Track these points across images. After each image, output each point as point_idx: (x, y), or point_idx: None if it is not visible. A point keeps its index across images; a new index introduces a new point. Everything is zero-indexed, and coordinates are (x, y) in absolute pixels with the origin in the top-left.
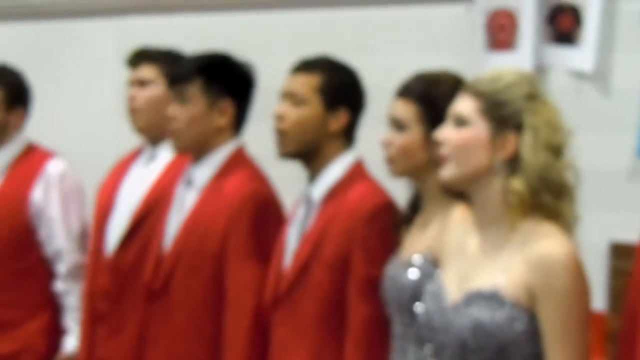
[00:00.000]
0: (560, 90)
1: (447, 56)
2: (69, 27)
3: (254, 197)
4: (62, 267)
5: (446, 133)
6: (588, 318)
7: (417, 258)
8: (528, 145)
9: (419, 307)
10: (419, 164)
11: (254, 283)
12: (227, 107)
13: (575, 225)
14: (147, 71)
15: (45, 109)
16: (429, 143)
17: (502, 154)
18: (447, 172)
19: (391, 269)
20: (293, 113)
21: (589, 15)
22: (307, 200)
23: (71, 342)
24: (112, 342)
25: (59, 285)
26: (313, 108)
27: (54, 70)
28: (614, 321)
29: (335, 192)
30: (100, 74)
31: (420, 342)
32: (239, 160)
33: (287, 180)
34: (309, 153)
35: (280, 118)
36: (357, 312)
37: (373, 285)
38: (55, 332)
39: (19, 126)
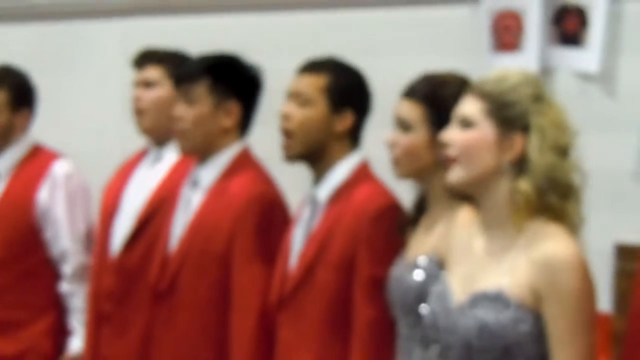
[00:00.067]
0: (565, 92)
1: (452, 57)
2: (75, 28)
3: (260, 198)
4: (67, 268)
5: (452, 134)
6: (594, 319)
7: (422, 259)
8: (535, 147)
9: (424, 309)
10: (425, 165)
11: (260, 284)
12: (234, 108)
13: (580, 227)
14: (153, 72)
15: (50, 110)
16: (435, 144)
17: (508, 155)
18: (455, 176)
19: (396, 270)
20: (299, 113)
21: (595, 17)
22: (313, 202)
23: (76, 343)
24: (117, 343)
25: (64, 286)
26: (319, 109)
27: (59, 71)
28: (620, 322)
29: (341, 193)
30: (106, 74)
31: (426, 343)
32: (245, 162)
33: (293, 182)
34: (314, 154)
35: (285, 118)
36: (362, 313)
37: (378, 287)
38: (61, 333)
39: (24, 127)
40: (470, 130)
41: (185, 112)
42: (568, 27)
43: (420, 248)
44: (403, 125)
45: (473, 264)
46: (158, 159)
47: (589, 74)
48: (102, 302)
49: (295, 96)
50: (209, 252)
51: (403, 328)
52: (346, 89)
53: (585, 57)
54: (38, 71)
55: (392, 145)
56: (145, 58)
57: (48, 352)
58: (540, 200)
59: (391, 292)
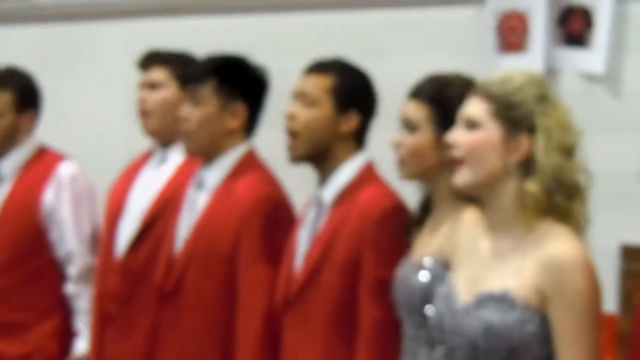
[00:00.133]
0: (571, 93)
1: (458, 58)
2: (80, 29)
3: (266, 200)
4: (72, 270)
5: (457, 135)
6: (599, 319)
7: (427, 260)
8: (541, 147)
9: (429, 309)
10: (430, 166)
11: (266, 285)
12: (240, 109)
13: (586, 227)
14: (158, 74)
15: (55, 111)
16: (440, 145)
17: (514, 156)
18: (461, 178)
19: (402, 272)
20: (304, 113)
21: (600, 18)
22: (318, 203)
23: (82, 344)
24: (122, 344)
25: (70, 288)
26: (324, 109)
27: (64, 73)
28: (625, 323)
29: (346, 195)
30: (111, 76)
31: (431, 344)
32: (250, 163)
33: (298, 183)
34: (319, 155)
35: (291, 118)
36: (368, 314)
37: (384, 288)
38: (66, 334)
39: (29, 129)
40: (476, 132)
41: (191, 113)
42: (573, 28)
43: (426, 249)
44: (409, 125)
45: (479, 265)
46: (163, 160)
47: (594, 75)
48: (107, 303)
49: (301, 96)
50: (215, 253)
51: (408, 329)
52: (352, 90)
53: (591, 58)
54: (43, 72)
55: (397, 146)
56: (150, 59)
57: (54, 353)
58: (548, 201)
59: (396, 293)
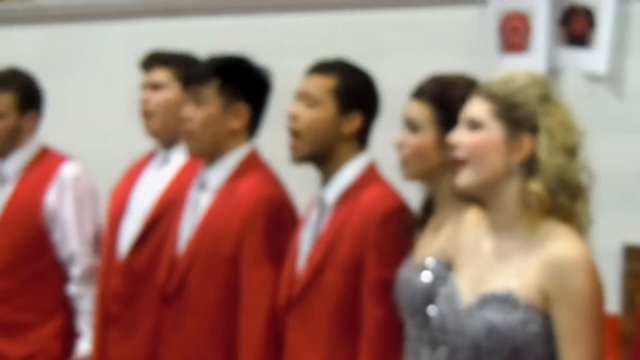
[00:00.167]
0: (573, 93)
1: (460, 59)
2: (82, 30)
3: (269, 200)
4: (75, 271)
5: (460, 136)
6: (602, 320)
7: (430, 261)
8: (544, 147)
9: (432, 310)
10: (432, 166)
11: (269, 285)
12: (242, 110)
13: (589, 228)
14: (161, 74)
15: (58, 112)
16: (443, 145)
17: (517, 157)
18: (464, 179)
19: (404, 272)
20: (307, 114)
21: (603, 17)
22: (320, 203)
23: (84, 345)
24: (125, 345)
25: (73, 289)
26: (327, 110)
27: (67, 73)
28: (628, 323)
29: (349, 195)
30: (113, 77)
31: (434, 344)
32: (253, 164)
33: (300, 183)
34: (321, 156)
35: (293, 118)
36: (370, 314)
37: (386, 288)
38: (69, 335)
39: (32, 130)
40: (478, 132)
41: (193, 113)
42: (576, 28)
43: (428, 249)
44: (411, 125)
45: (481, 266)
46: (166, 161)
47: (596, 75)
48: (110, 304)
49: (303, 97)
50: (218, 254)
51: (411, 329)
52: (355, 91)
53: (593, 58)
54: (45, 73)
55: (400, 146)
56: (153, 60)
57: (57, 354)
58: (551, 201)
59: (399, 293)
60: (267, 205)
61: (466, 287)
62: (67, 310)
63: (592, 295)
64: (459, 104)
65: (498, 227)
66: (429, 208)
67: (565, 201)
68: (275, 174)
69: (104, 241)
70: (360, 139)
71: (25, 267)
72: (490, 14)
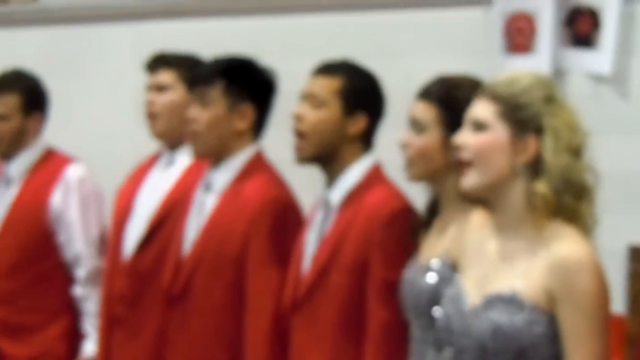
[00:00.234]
0: (578, 94)
1: (465, 60)
2: (87, 32)
3: (274, 202)
4: (81, 272)
5: (465, 137)
6: (608, 321)
7: (435, 262)
8: (550, 148)
9: (437, 311)
10: (437, 167)
11: (274, 287)
12: (248, 111)
13: (594, 228)
14: (166, 76)
15: (63, 113)
16: (448, 146)
17: (522, 158)
18: (469, 181)
19: (409, 273)
20: (312, 115)
21: (608, 18)
22: (325, 205)
23: (90, 347)
24: (130, 346)
25: (78, 290)
26: (332, 111)
27: (72, 75)
28: (633, 324)
29: (354, 197)
30: (119, 78)
31: (439, 345)
32: (258, 165)
33: (305, 184)
34: (326, 157)
35: (299, 119)
36: (375, 316)
37: (392, 290)
38: (74, 336)
39: (37, 131)
40: (483, 133)
41: (199, 115)
42: (580, 29)
43: (433, 251)
44: (417, 126)
45: (487, 267)
46: (171, 162)
47: (601, 76)
48: (115, 305)
49: (309, 98)
50: (223, 255)
51: (416, 331)
52: (360, 92)
53: (598, 59)
54: (50, 75)
55: (404, 146)
56: (158, 62)
57: (62, 356)
58: (556, 202)
59: (404, 294)
60: (273, 206)
61: (471, 288)
62: (72, 311)
63: (597, 295)
64: (464, 105)
65: (503, 228)
66: (434, 209)
67: (570, 202)
68: (280, 176)
69: (109, 242)
70: (366, 140)
71: (31, 268)
72: (495, 14)
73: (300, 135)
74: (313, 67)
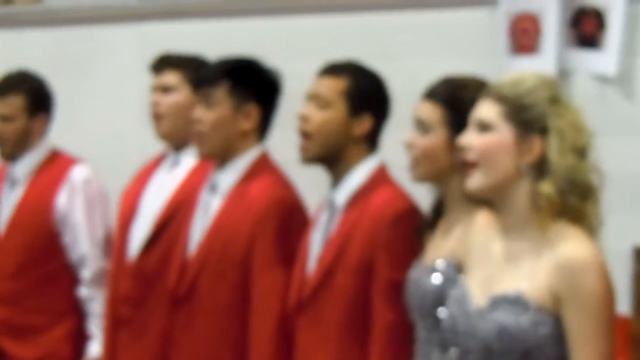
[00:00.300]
0: (583, 94)
1: (470, 60)
2: (93, 33)
3: (280, 203)
4: (86, 273)
5: (470, 138)
6: (613, 321)
7: (440, 263)
8: (555, 149)
9: (442, 312)
10: (442, 168)
11: (279, 288)
12: (253, 111)
13: (599, 229)
14: (171, 77)
15: (68, 114)
16: (453, 147)
17: (528, 158)
18: (474, 182)
19: (414, 274)
20: (317, 115)
21: (613, 19)
22: (331, 206)
23: (95, 348)
24: (134, 347)
25: (83, 291)
26: (337, 111)
27: (77, 76)
28: (638, 325)
29: (359, 197)
30: (124, 79)
31: (444, 346)
32: (264, 166)
33: (311, 185)
34: (332, 157)
35: (304, 119)
36: (381, 316)
37: (397, 290)
38: (80, 337)
39: (42, 132)
40: (488, 134)
41: (204, 116)
42: (586, 30)
43: (438, 251)
44: (422, 126)
45: (492, 267)
46: (176, 163)
47: (606, 77)
48: (120, 307)
49: (314, 98)
50: (229, 257)
51: (421, 331)
52: (365, 93)
53: (603, 60)
54: (55, 76)
55: (409, 146)
56: (163, 63)
57: (67, 356)
58: (561, 202)
59: (409, 295)
60: (278, 208)
61: (477, 289)
62: (77, 312)
63: (603, 296)
64: (469, 106)
65: (508, 228)
66: (439, 210)
67: (575, 202)
68: (285, 176)
69: (114, 244)
70: (371, 141)
71: (36, 269)
72: (500, 15)
73: (305, 135)
74: (318, 68)
